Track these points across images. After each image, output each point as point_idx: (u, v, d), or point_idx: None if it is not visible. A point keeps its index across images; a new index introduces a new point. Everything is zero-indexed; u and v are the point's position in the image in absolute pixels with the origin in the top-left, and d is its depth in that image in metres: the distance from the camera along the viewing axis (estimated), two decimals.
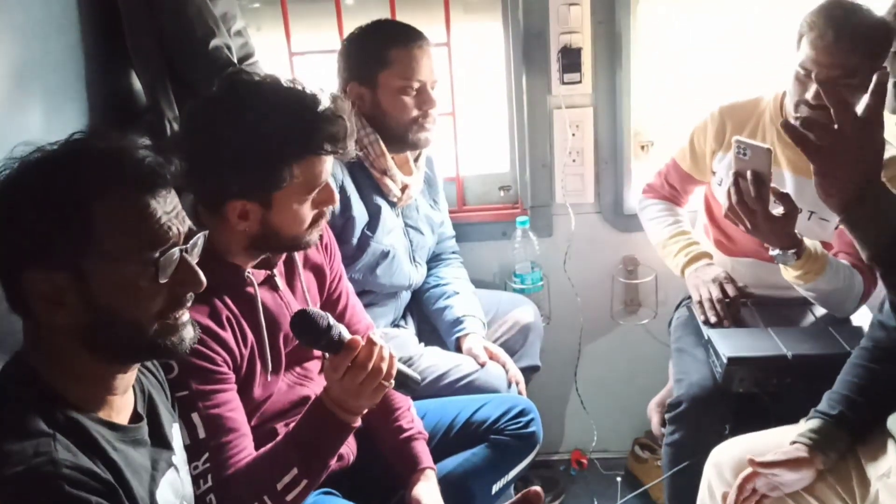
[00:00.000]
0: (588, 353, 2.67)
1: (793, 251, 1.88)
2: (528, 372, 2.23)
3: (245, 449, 1.44)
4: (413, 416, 1.73)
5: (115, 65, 1.86)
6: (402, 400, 1.74)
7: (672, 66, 2.52)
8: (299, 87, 1.45)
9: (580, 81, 2.38)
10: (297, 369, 1.65)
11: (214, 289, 1.43)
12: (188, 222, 1.15)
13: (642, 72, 2.43)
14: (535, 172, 2.52)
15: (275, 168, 1.40)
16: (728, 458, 1.76)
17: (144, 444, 1.19)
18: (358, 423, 1.45)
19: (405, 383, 1.48)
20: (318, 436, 1.43)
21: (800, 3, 1.99)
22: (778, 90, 2.13)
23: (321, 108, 1.43)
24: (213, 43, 1.86)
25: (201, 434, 1.39)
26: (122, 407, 1.17)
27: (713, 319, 2.08)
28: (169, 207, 1.10)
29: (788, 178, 2.08)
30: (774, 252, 1.90)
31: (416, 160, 2.21)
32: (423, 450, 1.70)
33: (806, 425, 1.65)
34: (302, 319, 1.39)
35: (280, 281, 1.60)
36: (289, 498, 1.41)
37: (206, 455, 1.39)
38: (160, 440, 1.23)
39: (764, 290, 2.20)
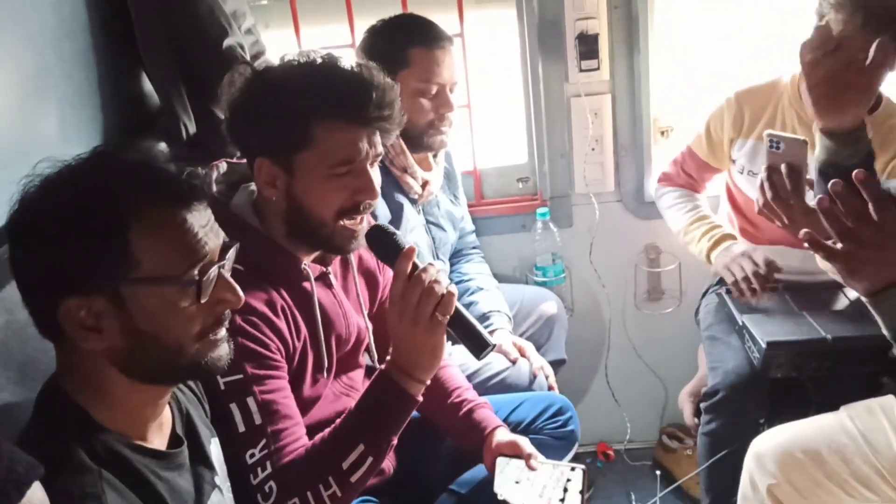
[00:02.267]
0: (613, 343, 2.64)
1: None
2: (555, 366, 2.19)
3: (301, 438, 1.40)
4: (472, 390, 1.69)
5: (127, 69, 1.81)
6: (459, 381, 1.70)
7: (690, 49, 2.48)
8: (352, 63, 1.43)
9: (598, 68, 2.34)
10: (344, 378, 1.61)
11: (270, 278, 1.41)
12: (222, 234, 1.09)
13: (660, 56, 2.39)
14: (553, 162, 2.48)
15: (294, 124, 1.37)
16: (770, 448, 1.73)
17: (187, 467, 1.14)
18: (420, 397, 1.40)
19: (469, 335, 1.40)
20: (383, 407, 1.39)
21: None
22: (795, 71, 2.08)
23: (354, 73, 1.39)
24: (227, 42, 1.82)
25: (257, 420, 1.34)
26: (161, 431, 1.13)
27: (753, 300, 2.02)
28: (204, 221, 1.05)
29: (810, 162, 2.03)
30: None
31: (435, 156, 2.17)
32: (488, 415, 1.65)
33: None
34: (377, 229, 1.44)
35: (335, 280, 1.56)
36: (353, 478, 1.36)
37: (264, 441, 1.34)
38: (202, 460, 1.18)
39: (795, 276, 2.16)
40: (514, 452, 1.58)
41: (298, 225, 1.43)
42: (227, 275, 1.09)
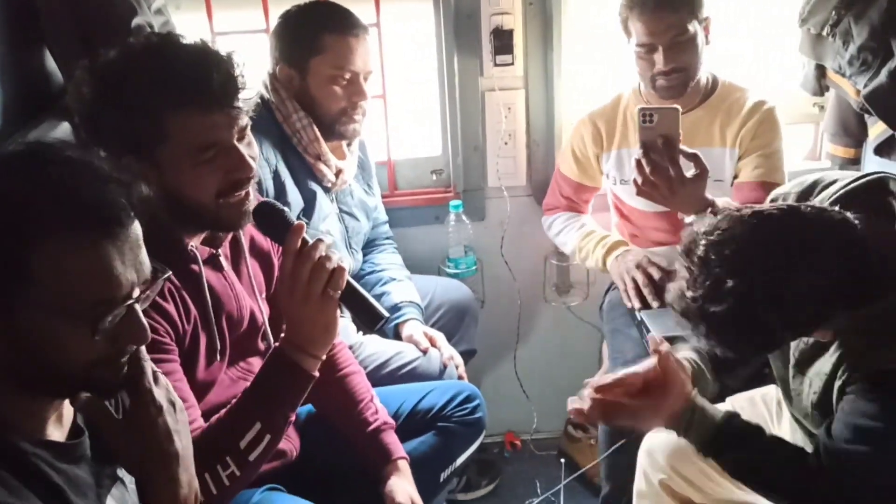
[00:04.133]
0: (522, 335, 2.69)
1: (709, 210, 1.88)
2: (466, 356, 2.22)
3: (196, 420, 1.38)
4: (377, 406, 1.70)
5: (29, 45, 1.74)
6: (364, 391, 1.70)
7: (601, 47, 2.53)
8: (185, 41, 1.37)
9: (512, 63, 2.38)
10: (241, 364, 1.59)
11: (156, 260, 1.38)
12: (147, 266, 1.02)
13: (573, 53, 2.43)
14: (467, 155, 2.50)
15: (144, 120, 1.32)
16: (659, 443, 1.78)
17: (87, 459, 1.09)
18: (316, 373, 1.42)
19: (362, 308, 1.43)
20: (279, 384, 1.40)
21: None
22: (634, 84, 2.23)
23: (192, 55, 1.35)
24: (136, 21, 1.76)
25: None
26: (60, 422, 1.08)
27: (637, 305, 2.10)
28: (126, 250, 0.97)
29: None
30: (691, 219, 1.89)
31: (349, 144, 2.16)
32: (392, 440, 1.67)
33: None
34: (265, 205, 1.44)
35: (225, 262, 1.53)
36: (252, 457, 1.37)
37: None
38: (103, 452, 1.14)
39: None
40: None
41: (181, 214, 1.40)
42: (139, 311, 1.02)
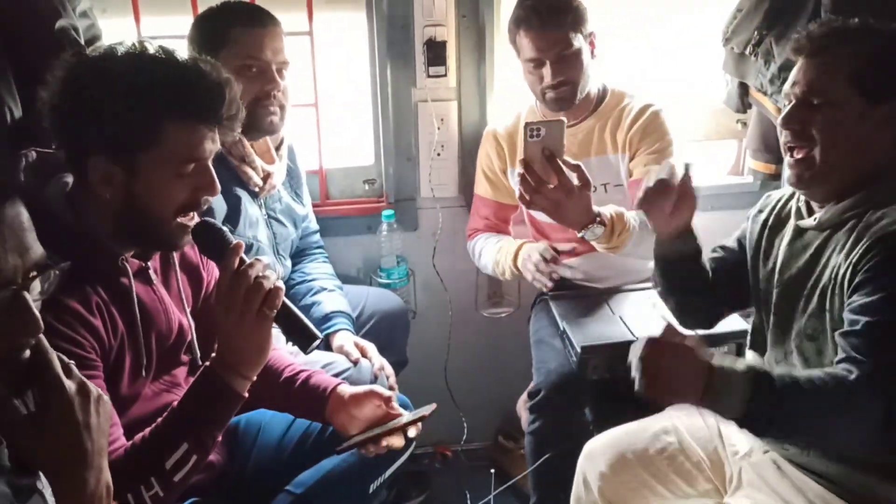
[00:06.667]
0: (453, 346, 2.69)
1: (597, 221, 1.89)
2: (397, 367, 2.21)
3: (119, 439, 1.35)
4: (299, 367, 1.70)
5: None
6: (283, 361, 1.71)
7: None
8: (185, 57, 1.40)
9: (445, 75, 2.40)
10: (166, 377, 1.56)
11: (85, 275, 1.34)
12: (35, 252, 0.99)
13: (506, 65, 2.46)
14: (400, 166, 2.51)
15: (142, 122, 1.32)
16: (602, 450, 1.80)
17: (2, 471, 1.06)
18: (245, 393, 1.41)
19: (297, 329, 1.44)
20: (207, 404, 1.38)
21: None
22: (531, 101, 2.30)
23: (202, 70, 1.37)
24: (59, 24, 1.72)
25: None
26: None
27: (549, 284, 2.15)
28: (3, 232, 0.94)
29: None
30: (582, 232, 1.91)
31: (277, 149, 2.14)
32: (321, 379, 1.67)
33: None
34: (204, 225, 1.43)
35: (155, 276, 1.51)
36: (177, 477, 1.34)
37: None
38: (21, 463, 1.10)
39: (609, 283, 2.30)
40: (369, 400, 1.62)
41: (132, 222, 1.39)
42: (29, 299, 0.97)
